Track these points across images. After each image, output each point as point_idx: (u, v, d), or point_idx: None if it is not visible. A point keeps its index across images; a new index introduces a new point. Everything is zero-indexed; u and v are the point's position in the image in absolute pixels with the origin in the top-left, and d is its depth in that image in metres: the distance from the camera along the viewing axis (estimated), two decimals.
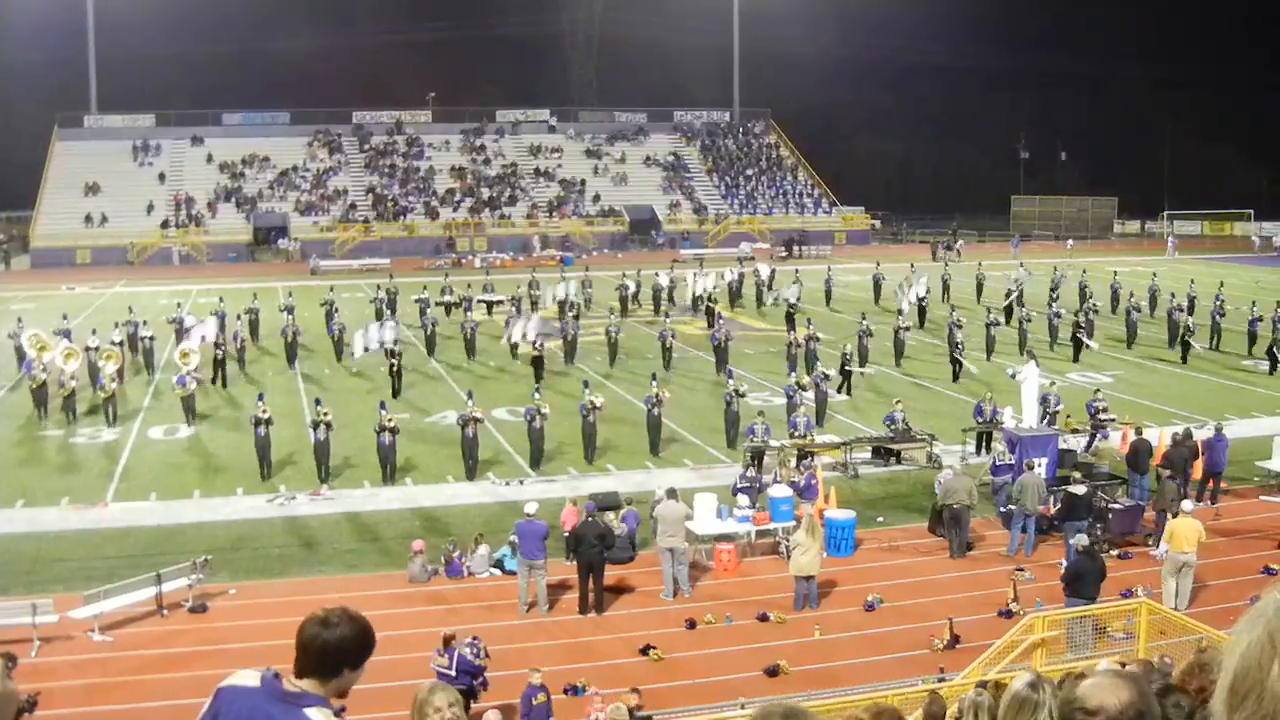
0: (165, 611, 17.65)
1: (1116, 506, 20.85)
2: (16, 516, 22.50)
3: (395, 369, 32.66)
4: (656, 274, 49.35)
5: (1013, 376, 25.87)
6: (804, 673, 15.72)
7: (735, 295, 50.20)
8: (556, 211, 79.49)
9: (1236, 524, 21.72)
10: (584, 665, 15.85)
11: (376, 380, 33.95)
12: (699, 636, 17.04)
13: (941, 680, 13.96)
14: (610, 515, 20.29)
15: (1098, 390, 27.67)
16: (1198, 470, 22.68)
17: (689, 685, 15.43)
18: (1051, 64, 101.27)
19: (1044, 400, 25.24)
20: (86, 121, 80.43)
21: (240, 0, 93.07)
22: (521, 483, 24.28)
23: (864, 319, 36.50)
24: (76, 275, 63.45)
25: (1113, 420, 26.03)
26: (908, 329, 37.36)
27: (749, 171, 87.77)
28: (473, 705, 13.74)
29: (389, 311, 42.37)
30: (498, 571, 19.39)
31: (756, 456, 23.71)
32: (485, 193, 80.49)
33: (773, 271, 53.00)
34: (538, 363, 33.44)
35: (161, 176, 77.55)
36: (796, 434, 25.26)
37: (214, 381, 33.81)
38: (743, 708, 13.69)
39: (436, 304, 43.13)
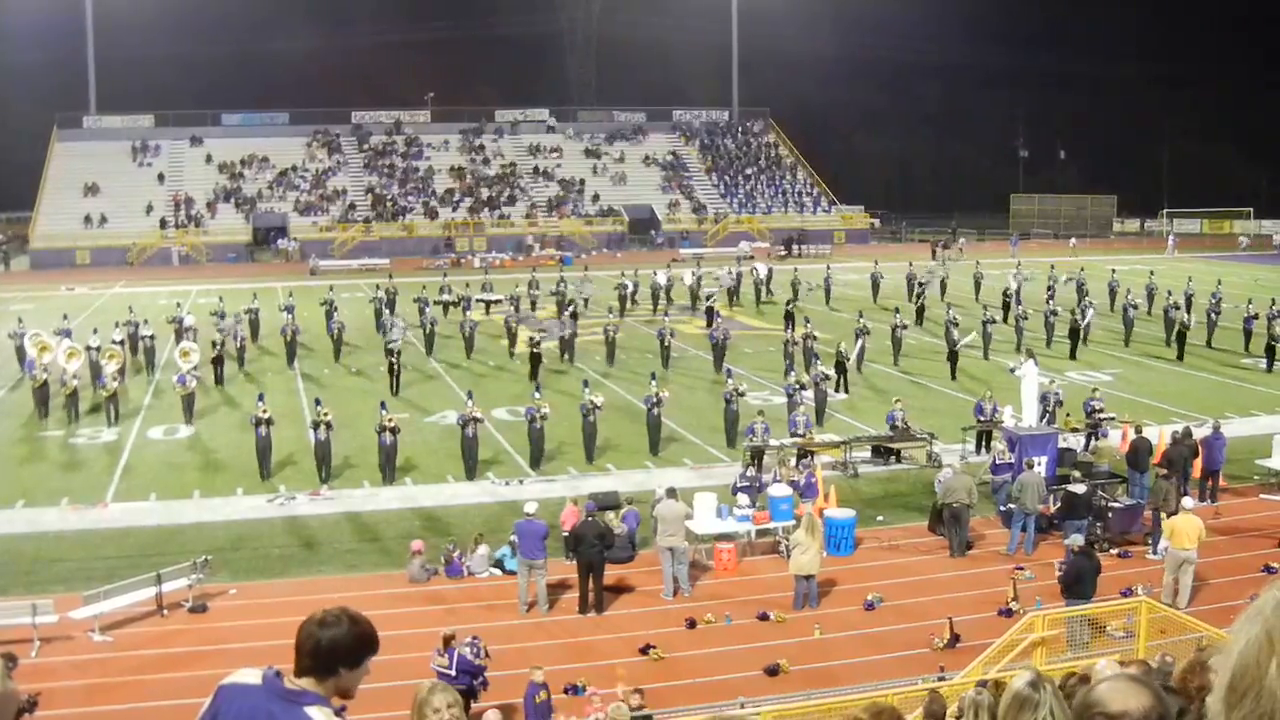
0: (165, 612, 17.65)
1: (1116, 505, 20.85)
2: (16, 517, 22.50)
3: (394, 368, 32.73)
4: (654, 273, 49.45)
5: (1012, 371, 25.86)
6: (804, 672, 15.73)
7: (734, 294, 50.27)
8: (556, 211, 79.50)
9: (1236, 522, 21.72)
10: (584, 665, 15.85)
11: (376, 380, 34.00)
12: (699, 636, 17.05)
13: (942, 679, 13.96)
14: (610, 515, 20.30)
15: (1095, 389, 27.68)
16: (1198, 468, 22.70)
17: (689, 685, 15.43)
18: (1051, 63, 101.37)
19: (1044, 399, 25.25)
20: (86, 122, 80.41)
21: (239, 1, 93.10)
22: (521, 482, 24.29)
23: (860, 317, 36.55)
24: (76, 276, 63.45)
25: (1110, 419, 26.04)
26: (905, 327, 37.43)
27: (748, 171, 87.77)
28: (472, 705, 13.74)
29: (388, 312, 42.41)
30: (497, 571, 19.39)
31: (756, 456, 23.71)
32: (484, 192, 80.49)
33: (770, 271, 53.10)
34: (535, 361, 33.57)
35: (161, 177, 77.53)
36: (796, 433, 25.28)
37: (214, 380, 33.91)
38: (742, 707, 13.71)
39: (435, 303, 43.19)
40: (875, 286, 50.22)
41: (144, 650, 16.60)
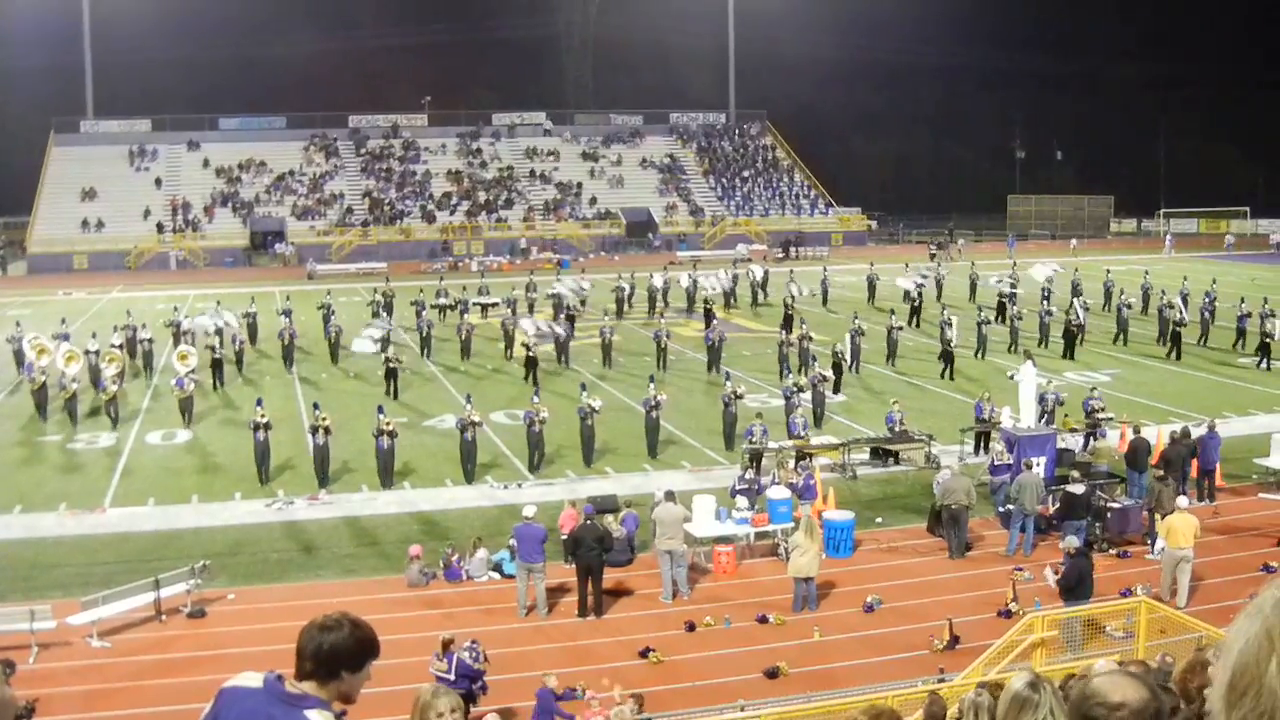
0: (164, 617, 17.63)
1: (1115, 505, 20.86)
2: (14, 522, 22.47)
3: (390, 370, 32.75)
4: (651, 275, 49.50)
5: (1011, 378, 25.88)
6: (803, 674, 15.72)
7: (730, 296, 50.30)
8: (553, 214, 79.50)
9: (1235, 521, 21.73)
10: (583, 668, 15.83)
11: (374, 383, 33.99)
12: (698, 639, 17.04)
13: (941, 681, 13.96)
14: (609, 518, 20.30)
15: (1094, 389, 27.69)
16: (1195, 468, 22.72)
17: (688, 688, 15.42)
18: (1047, 63, 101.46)
19: (1041, 399, 25.27)
20: (83, 127, 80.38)
21: (236, 5, 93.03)
22: (520, 486, 24.28)
23: (856, 318, 36.58)
24: (73, 280, 63.41)
25: (1110, 419, 26.06)
26: (900, 328, 37.47)
27: (745, 173, 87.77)
28: (471, 709, 13.74)
29: (385, 315, 42.47)
30: (496, 575, 19.38)
31: (755, 458, 23.71)
32: (481, 196, 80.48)
33: (766, 273, 53.17)
34: (531, 363, 33.61)
35: (158, 181, 77.49)
36: (795, 435, 25.28)
37: (213, 385, 33.91)
38: (742, 709, 13.70)
39: (431, 306, 43.22)
40: (871, 288, 50.27)
41: (142, 656, 16.58)
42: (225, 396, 33.45)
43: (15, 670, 14.78)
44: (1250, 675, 1.87)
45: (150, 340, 37.22)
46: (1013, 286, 45.36)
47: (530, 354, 33.97)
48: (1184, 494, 19.60)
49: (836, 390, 31.81)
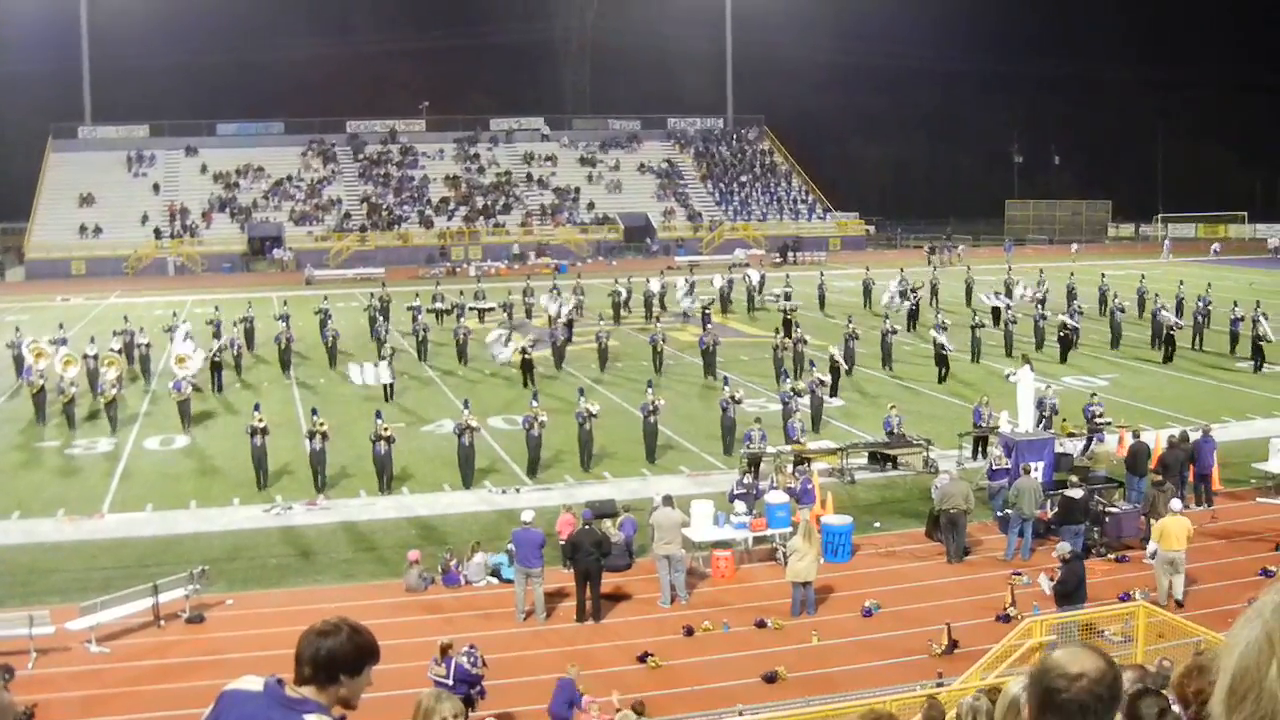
0: (162, 622, 17.60)
1: (1113, 510, 20.87)
2: (13, 528, 22.44)
3: (526, 362, 33.21)
4: (647, 280, 49.51)
5: (1008, 378, 25.88)
6: (802, 679, 15.70)
7: (725, 301, 50.33)
8: (551, 219, 79.55)
9: (1233, 525, 21.74)
10: (582, 673, 15.80)
11: (371, 389, 33.99)
12: (697, 643, 17.02)
13: (940, 685, 13.95)
14: (607, 523, 20.29)
15: (1094, 394, 27.70)
16: (1193, 472, 22.74)
17: (687, 692, 15.41)
18: (1045, 68, 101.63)
19: (1039, 404, 25.27)
20: (81, 133, 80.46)
21: (233, 11, 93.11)
22: (518, 491, 24.27)
23: (850, 321, 36.59)
24: (71, 286, 63.38)
25: (1109, 424, 26.06)
26: (895, 332, 37.49)
27: (743, 178, 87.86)
28: (470, 714, 13.73)
29: (382, 319, 42.48)
30: (494, 580, 19.36)
31: (753, 463, 23.70)
32: (479, 201, 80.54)
33: (762, 277, 53.26)
34: (527, 366, 33.65)
35: (156, 187, 77.53)
36: (792, 440, 25.27)
37: (213, 390, 33.95)
38: (740, 714, 13.69)
39: (428, 311, 43.23)
40: (867, 293, 50.30)
41: (141, 661, 16.56)
42: (224, 401, 33.45)
43: (14, 675, 14.75)
44: (1250, 679, 1.87)
45: (148, 345, 37.23)
46: (999, 295, 45.27)
47: (526, 357, 33.98)
48: (1179, 498, 19.61)
49: (834, 394, 31.83)
